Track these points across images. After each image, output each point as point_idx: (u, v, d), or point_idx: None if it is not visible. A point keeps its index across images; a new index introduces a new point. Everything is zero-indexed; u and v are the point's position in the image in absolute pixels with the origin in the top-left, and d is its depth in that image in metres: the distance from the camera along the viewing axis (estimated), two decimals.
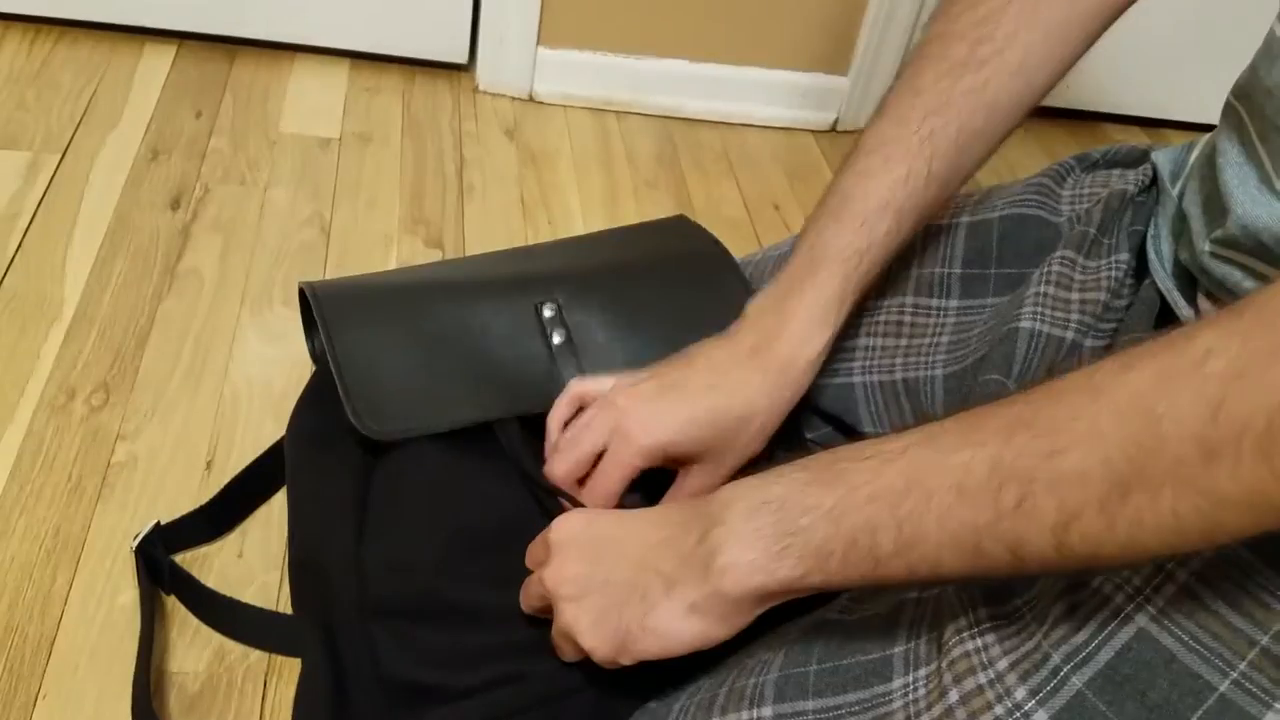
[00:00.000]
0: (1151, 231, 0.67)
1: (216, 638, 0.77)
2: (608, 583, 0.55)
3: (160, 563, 0.77)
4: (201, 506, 0.83)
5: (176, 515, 0.82)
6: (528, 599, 0.60)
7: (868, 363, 0.73)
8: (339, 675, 0.61)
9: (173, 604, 0.78)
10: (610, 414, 0.64)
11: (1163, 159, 0.70)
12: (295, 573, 0.72)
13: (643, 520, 0.57)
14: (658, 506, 0.61)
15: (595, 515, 0.59)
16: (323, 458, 0.70)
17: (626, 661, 0.55)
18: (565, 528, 0.58)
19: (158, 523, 0.79)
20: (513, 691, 0.59)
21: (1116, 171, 0.74)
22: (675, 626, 0.53)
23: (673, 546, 0.54)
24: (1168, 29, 1.55)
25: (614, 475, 0.64)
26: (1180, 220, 0.65)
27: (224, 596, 0.76)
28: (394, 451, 0.66)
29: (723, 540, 0.52)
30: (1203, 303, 0.60)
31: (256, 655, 0.76)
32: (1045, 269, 0.69)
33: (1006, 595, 0.53)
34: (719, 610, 0.52)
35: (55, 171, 1.17)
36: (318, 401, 0.74)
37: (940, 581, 0.53)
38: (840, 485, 0.49)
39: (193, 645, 0.76)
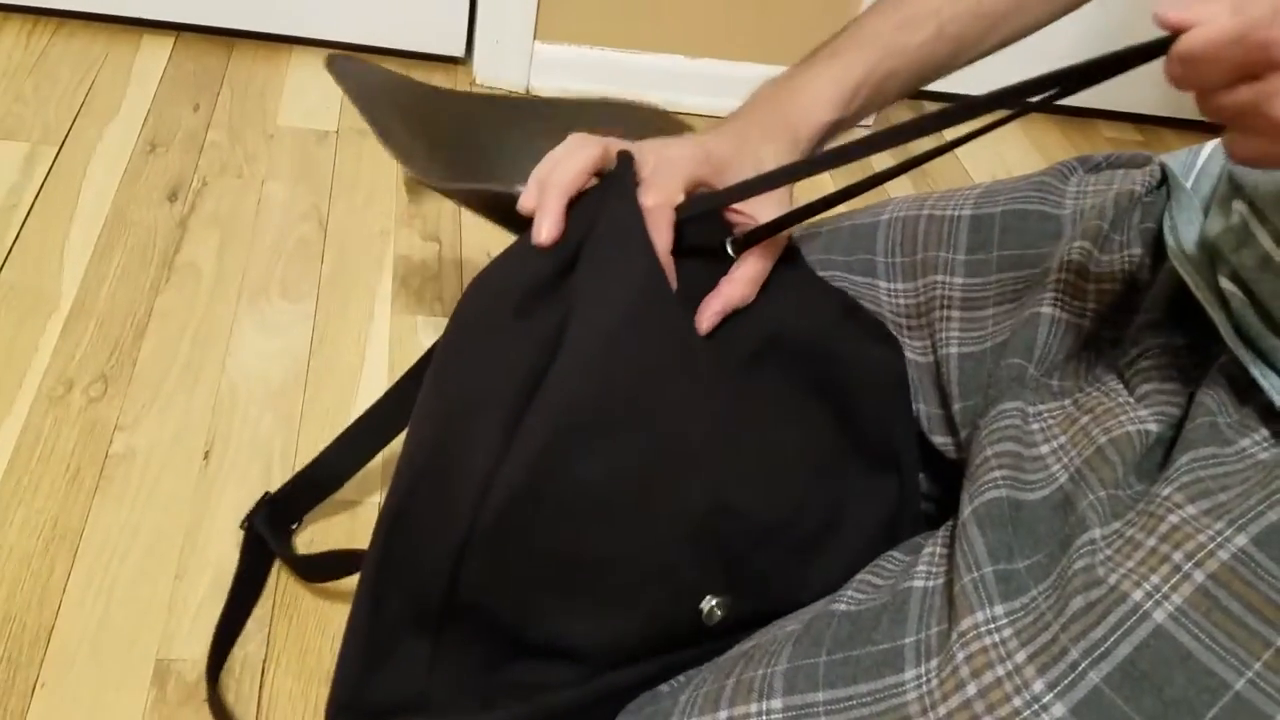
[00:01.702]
0: (1168, 224, 0.67)
1: (215, 627, 0.77)
2: None
3: (266, 538, 0.79)
4: (305, 469, 0.81)
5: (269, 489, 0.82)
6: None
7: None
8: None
9: (163, 591, 0.79)
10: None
11: (1171, 160, 0.70)
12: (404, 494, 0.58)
13: None
14: None
15: None
16: (490, 347, 0.58)
17: None
18: None
19: (266, 493, 0.81)
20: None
21: (1121, 172, 0.74)
22: None
23: None
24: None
25: (661, 236, 0.59)
26: (1205, 205, 0.65)
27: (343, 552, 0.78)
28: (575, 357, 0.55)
29: None
30: (1224, 282, 0.60)
31: (254, 644, 0.77)
32: (1065, 256, 0.70)
33: (1023, 588, 0.53)
34: None
35: (53, 164, 1.17)
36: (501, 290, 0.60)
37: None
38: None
39: (191, 634, 0.77)
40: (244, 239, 1.13)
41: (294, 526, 0.85)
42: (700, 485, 0.57)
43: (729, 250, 0.61)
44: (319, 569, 0.82)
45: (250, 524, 0.81)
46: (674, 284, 0.58)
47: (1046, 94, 0.54)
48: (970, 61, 0.72)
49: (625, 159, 0.60)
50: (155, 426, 0.91)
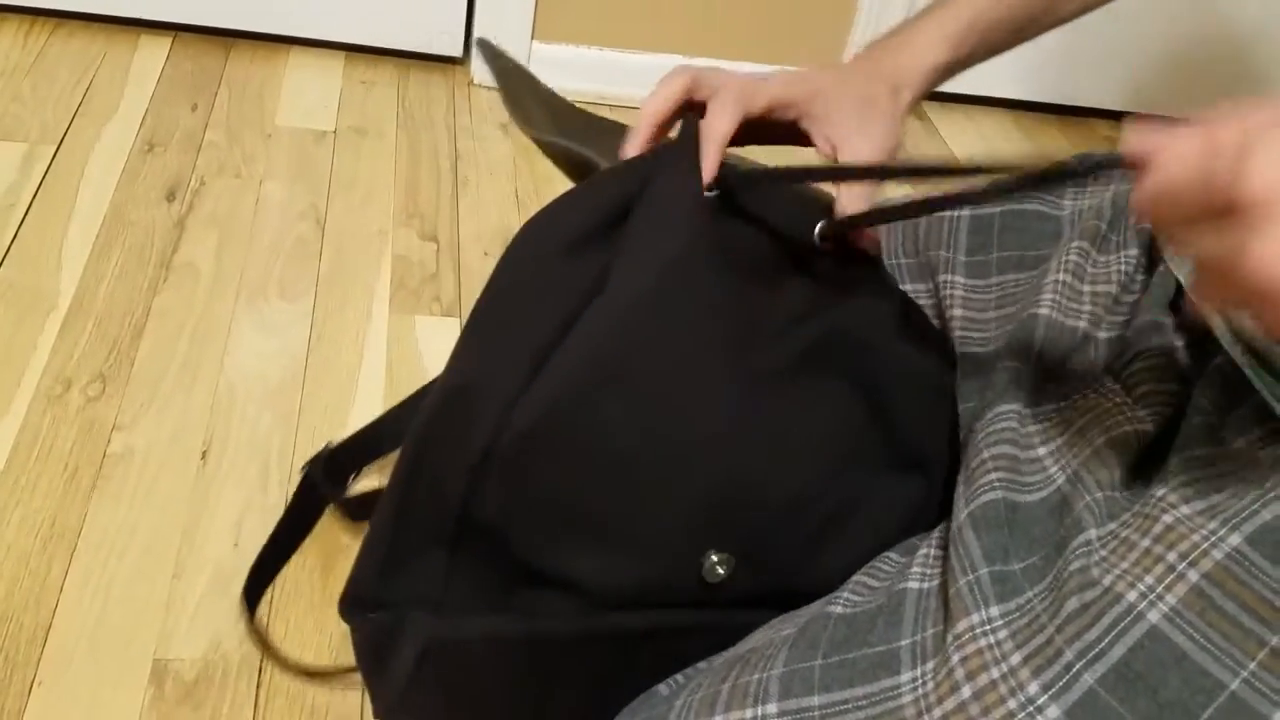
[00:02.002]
0: None
1: (213, 625, 0.77)
2: None
3: (320, 484, 0.79)
4: (369, 426, 0.82)
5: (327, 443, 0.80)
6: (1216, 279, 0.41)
7: None
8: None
9: (160, 590, 0.79)
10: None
11: None
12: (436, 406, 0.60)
13: None
14: None
15: None
16: (532, 286, 0.60)
17: None
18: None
19: (328, 443, 0.81)
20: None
21: (1119, 172, 0.74)
22: None
23: None
24: (1161, 25, 1.55)
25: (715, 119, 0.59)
26: None
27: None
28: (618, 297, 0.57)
29: None
30: None
31: (251, 644, 0.77)
32: (1063, 257, 0.70)
33: (1018, 589, 0.53)
34: None
35: (51, 163, 1.17)
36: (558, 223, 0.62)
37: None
38: None
39: (189, 633, 0.77)
40: (242, 238, 1.13)
41: (352, 477, 0.85)
42: (716, 454, 0.58)
43: (816, 239, 0.61)
44: (367, 509, 0.83)
45: (308, 470, 0.81)
46: (709, 237, 0.58)
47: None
48: (1063, 20, 0.73)
49: (690, 124, 0.60)
50: (153, 426, 0.91)
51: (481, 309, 0.61)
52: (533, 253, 0.61)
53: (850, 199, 0.62)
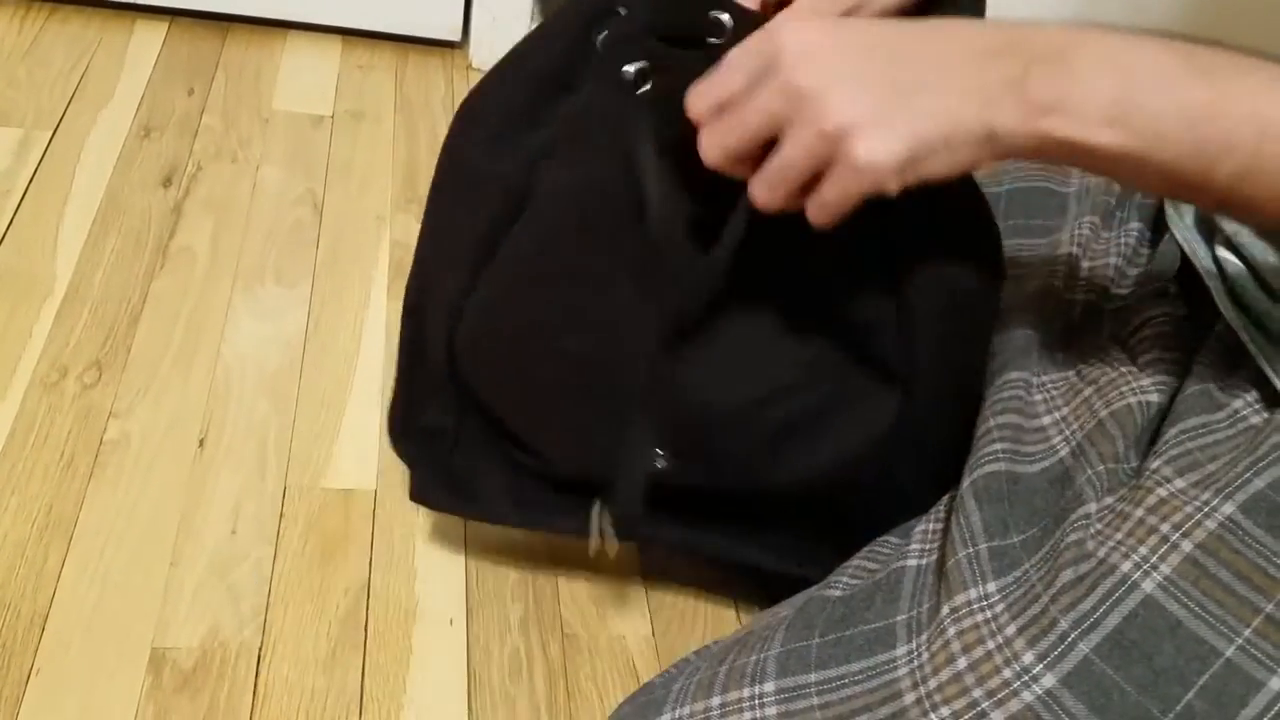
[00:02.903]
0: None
1: (210, 613, 0.77)
2: (888, 69, 0.48)
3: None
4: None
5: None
6: (733, 130, 0.51)
7: None
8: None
9: (157, 578, 0.78)
10: None
11: None
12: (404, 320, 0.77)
13: (935, 29, 0.50)
14: (938, 21, 0.51)
15: (838, 23, 0.52)
16: (470, 177, 0.68)
17: (892, 147, 0.48)
18: (797, 35, 0.50)
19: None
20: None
21: None
22: (964, 134, 0.47)
23: (990, 63, 0.48)
24: (1163, 14, 1.54)
25: None
26: None
27: None
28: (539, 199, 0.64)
29: (1057, 80, 0.47)
30: (1220, 250, 0.60)
31: (250, 631, 0.76)
32: (1074, 231, 0.70)
33: (1016, 562, 0.53)
34: (1011, 147, 0.48)
35: (46, 149, 1.17)
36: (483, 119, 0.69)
37: (1215, 211, 0.50)
38: (1216, 84, 0.45)
39: (186, 621, 0.76)
40: (239, 224, 1.12)
41: None
42: (636, 369, 0.61)
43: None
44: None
45: None
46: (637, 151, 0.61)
47: None
48: None
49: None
50: (150, 413, 0.90)
51: (430, 207, 0.73)
52: (465, 142, 0.68)
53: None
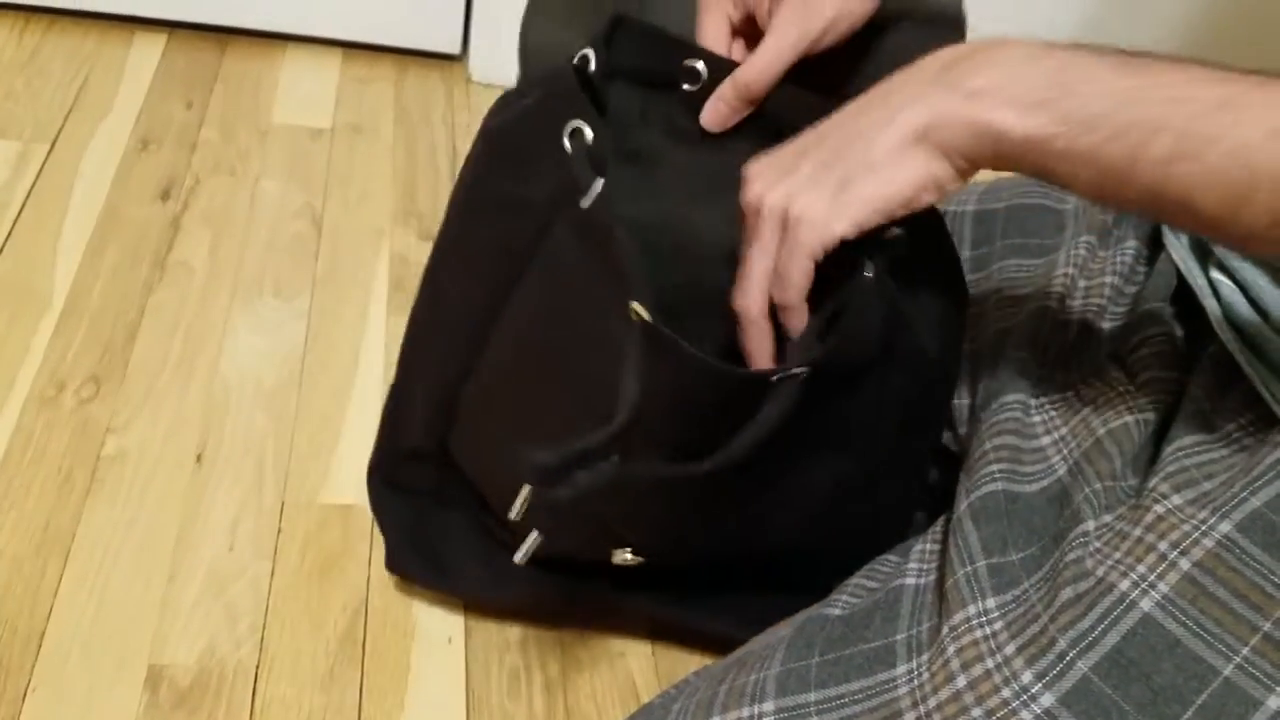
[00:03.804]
0: None
1: (208, 630, 0.77)
2: (823, 143, 0.53)
3: None
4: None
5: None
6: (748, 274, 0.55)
7: None
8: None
9: (155, 593, 0.78)
10: None
11: None
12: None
13: (851, 105, 0.54)
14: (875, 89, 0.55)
15: (782, 145, 0.56)
16: (463, 274, 0.69)
17: (841, 227, 0.51)
18: (753, 165, 0.55)
19: None
20: None
21: None
22: (896, 157, 0.50)
23: (906, 83, 0.52)
24: (1162, 23, 1.55)
25: (705, 22, 0.64)
26: None
27: None
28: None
29: (981, 67, 0.49)
30: (1214, 273, 0.60)
31: (248, 648, 0.76)
32: (1071, 250, 0.70)
33: (1015, 580, 0.53)
34: (946, 140, 0.50)
35: (45, 161, 1.16)
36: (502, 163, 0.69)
37: (1152, 213, 0.51)
38: (1144, 75, 0.47)
39: (184, 637, 0.76)
40: (237, 237, 1.12)
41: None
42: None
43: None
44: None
45: None
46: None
47: None
48: None
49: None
50: (147, 427, 0.90)
51: (428, 292, 0.73)
52: (462, 233, 0.69)
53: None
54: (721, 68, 0.63)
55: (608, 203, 0.58)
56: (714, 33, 0.65)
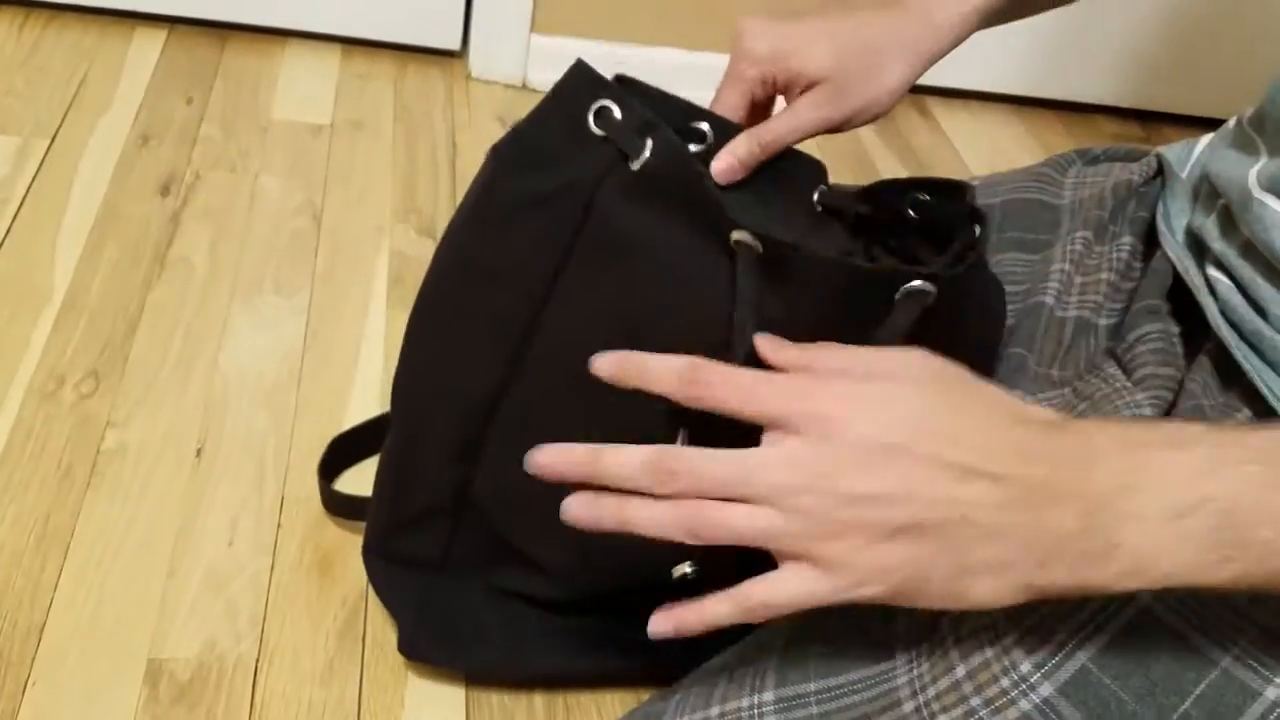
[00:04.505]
0: (1160, 211, 0.68)
1: (208, 625, 0.77)
2: (909, 508, 0.43)
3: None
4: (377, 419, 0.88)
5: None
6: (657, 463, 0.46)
7: None
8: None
9: (154, 589, 0.78)
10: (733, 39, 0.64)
11: (1168, 153, 0.71)
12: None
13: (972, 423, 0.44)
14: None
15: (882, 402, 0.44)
16: (491, 286, 0.64)
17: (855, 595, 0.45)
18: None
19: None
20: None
21: (1119, 164, 0.75)
22: (988, 598, 0.45)
23: (1031, 518, 0.42)
24: (1164, 21, 1.55)
25: (726, 91, 0.65)
26: (1193, 196, 0.66)
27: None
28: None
29: (1129, 538, 0.42)
30: (1211, 271, 0.61)
31: (248, 644, 0.76)
32: (1067, 246, 0.71)
33: None
34: (1061, 592, 0.44)
35: (44, 157, 1.16)
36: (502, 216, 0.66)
37: None
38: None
39: (183, 632, 0.76)
40: (237, 233, 1.12)
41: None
42: None
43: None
44: (348, 508, 0.84)
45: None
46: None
47: None
48: None
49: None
50: (147, 423, 0.90)
51: (413, 356, 0.70)
52: (449, 298, 0.66)
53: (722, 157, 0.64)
54: (727, 131, 0.64)
55: (672, 148, 0.58)
56: (731, 104, 0.66)
